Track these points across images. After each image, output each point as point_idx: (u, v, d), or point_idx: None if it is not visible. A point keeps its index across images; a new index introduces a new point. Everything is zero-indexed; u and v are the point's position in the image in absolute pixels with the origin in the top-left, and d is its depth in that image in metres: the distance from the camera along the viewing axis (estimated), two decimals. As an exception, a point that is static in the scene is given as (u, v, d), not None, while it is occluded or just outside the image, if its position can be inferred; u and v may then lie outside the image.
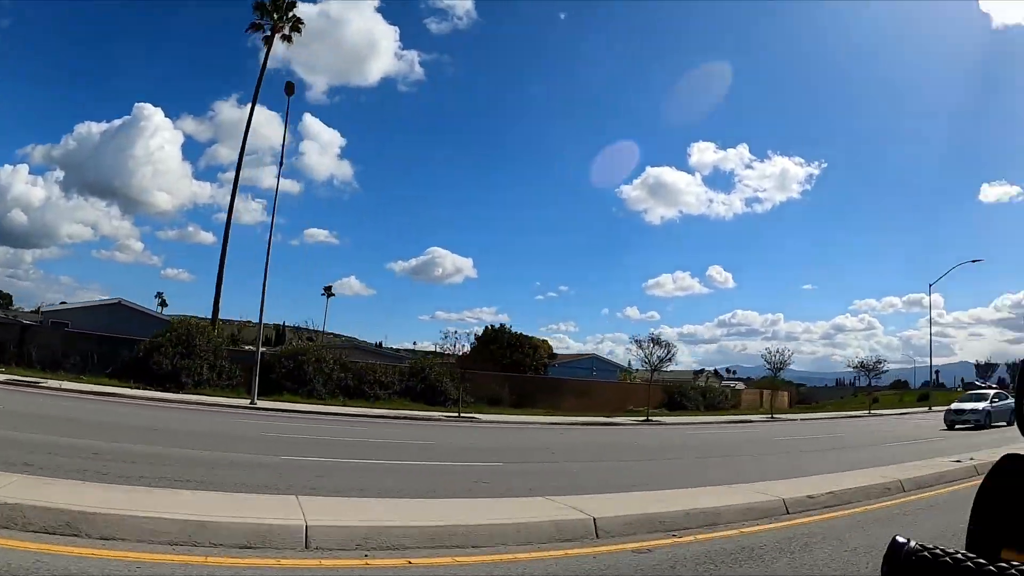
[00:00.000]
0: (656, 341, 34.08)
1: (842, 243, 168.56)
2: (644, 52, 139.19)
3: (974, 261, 47.40)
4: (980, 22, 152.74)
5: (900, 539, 0.75)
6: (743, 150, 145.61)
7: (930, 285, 50.29)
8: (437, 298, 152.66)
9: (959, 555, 0.69)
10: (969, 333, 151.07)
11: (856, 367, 47.38)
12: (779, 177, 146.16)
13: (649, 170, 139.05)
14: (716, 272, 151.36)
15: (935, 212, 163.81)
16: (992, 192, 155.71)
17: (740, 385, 64.15)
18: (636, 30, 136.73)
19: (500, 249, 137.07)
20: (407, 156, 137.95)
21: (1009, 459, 0.90)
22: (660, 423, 29.65)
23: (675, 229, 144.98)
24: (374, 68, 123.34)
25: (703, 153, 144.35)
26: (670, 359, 34.35)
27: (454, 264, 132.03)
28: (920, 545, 0.72)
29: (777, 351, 41.14)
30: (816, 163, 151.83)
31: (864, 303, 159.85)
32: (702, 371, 78.28)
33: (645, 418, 30.75)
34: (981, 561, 0.67)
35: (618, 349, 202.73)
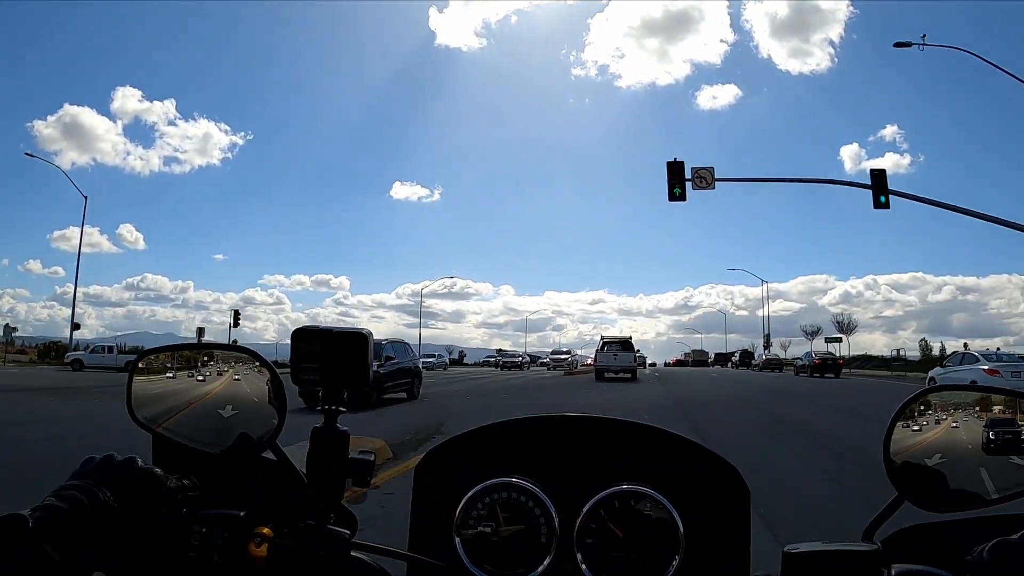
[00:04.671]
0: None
1: (257, 216, 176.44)
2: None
3: (451, 277, 57.32)
4: (426, 36, 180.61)
5: None
6: (170, 105, 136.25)
7: (421, 290, 58.59)
8: None
9: None
10: (372, 315, 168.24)
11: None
12: (202, 140, 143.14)
13: (67, 107, 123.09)
14: (127, 231, 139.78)
15: (351, 200, 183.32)
16: (403, 190, 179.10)
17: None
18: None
19: None
20: None
21: None
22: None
23: (86, 178, 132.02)
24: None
25: (127, 99, 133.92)
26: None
27: None
28: None
29: None
30: (242, 133, 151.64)
31: (274, 278, 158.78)
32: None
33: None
34: None
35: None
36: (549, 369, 52.00)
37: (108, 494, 0.64)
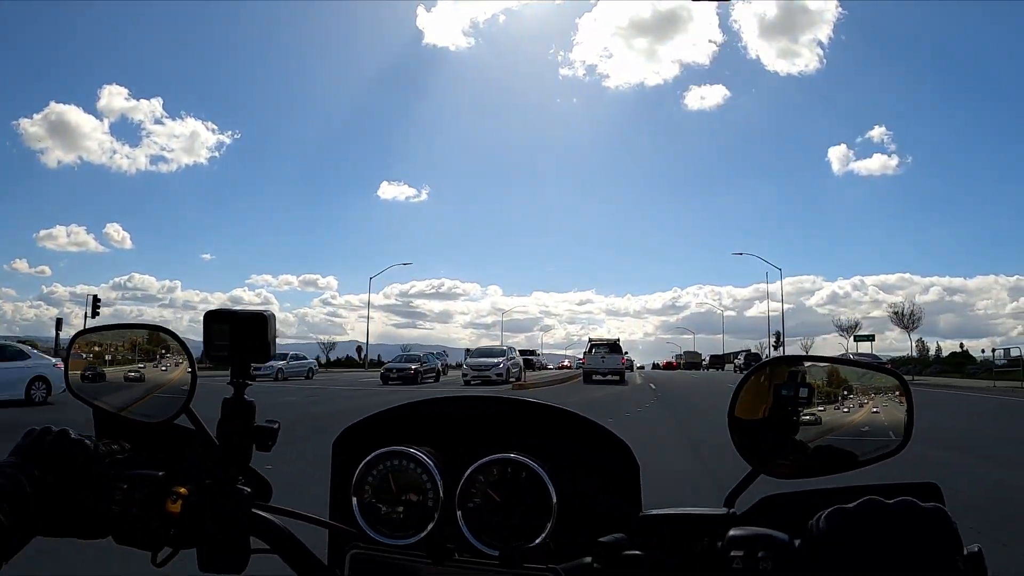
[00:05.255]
0: None
1: (245, 216, 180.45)
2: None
3: (404, 264, 64.23)
4: (413, 35, 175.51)
5: None
6: (157, 104, 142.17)
7: (371, 278, 57.39)
8: None
9: None
10: (359, 315, 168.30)
11: None
12: (189, 139, 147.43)
13: (53, 105, 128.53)
14: (114, 230, 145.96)
15: (338, 200, 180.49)
16: (391, 190, 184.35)
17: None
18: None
19: None
20: None
21: None
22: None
23: (72, 176, 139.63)
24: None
25: (113, 98, 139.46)
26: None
27: None
28: None
29: None
30: (230, 132, 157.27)
31: (261, 278, 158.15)
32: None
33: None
34: None
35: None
36: (467, 383, 29.26)
37: (41, 467, 0.76)
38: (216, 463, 0.83)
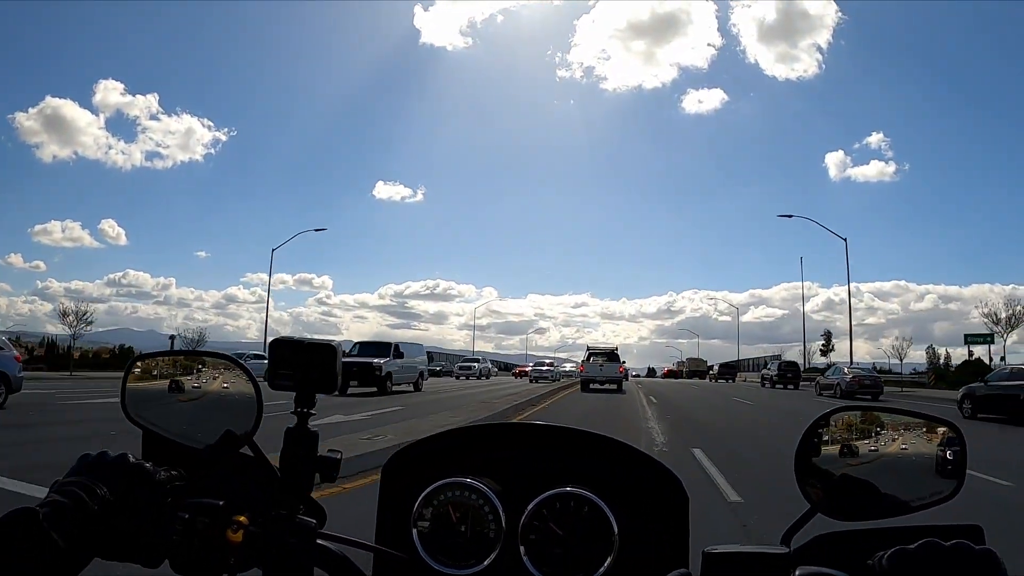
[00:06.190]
0: None
1: (240, 214, 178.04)
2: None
3: (317, 230, 58.02)
4: (411, 35, 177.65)
5: None
6: (153, 100, 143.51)
7: (273, 250, 48.22)
8: None
9: None
10: (354, 315, 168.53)
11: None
12: (184, 135, 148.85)
13: (49, 99, 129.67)
14: (109, 226, 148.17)
15: (334, 200, 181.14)
16: (386, 190, 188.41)
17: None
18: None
19: None
20: None
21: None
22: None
23: (68, 171, 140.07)
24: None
25: (109, 93, 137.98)
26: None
27: None
28: None
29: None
30: (225, 129, 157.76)
31: (256, 277, 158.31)
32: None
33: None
34: None
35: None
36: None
37: (104, 489, 0.75)
38: (278, 493, 0.84)
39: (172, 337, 44.44)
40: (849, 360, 41.26)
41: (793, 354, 56.19)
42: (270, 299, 50.54)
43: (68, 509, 0.72)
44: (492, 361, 70.75)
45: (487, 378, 50.84)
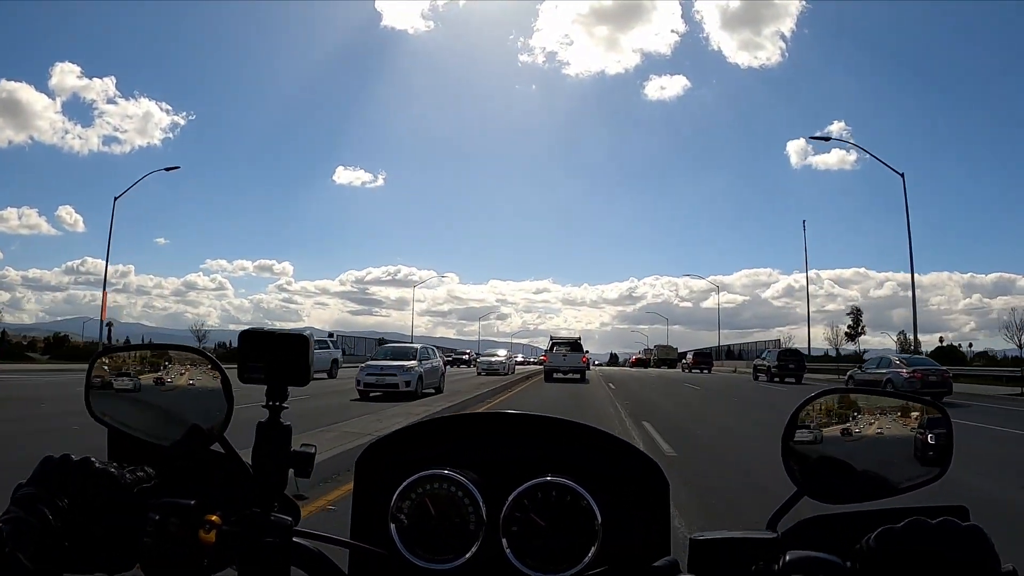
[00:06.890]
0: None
1: (199, 199, 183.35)
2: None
3: (168, 169, 38.50)
4: (371, 18, 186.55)
5: None
6: (110, 83, 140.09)
7: (115, 199, 36.65)
8: None
9: None
10: (315, 302, 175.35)
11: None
12: (142, 119, 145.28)
13: (4, 83, 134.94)
14: (67, 212, 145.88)
15: (294, 184, 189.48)
16: (346, 175, 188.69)
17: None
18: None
19: None
20: None
21: None
22: None
23: (24, 157, 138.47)
24: None
25: (66, 76, 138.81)
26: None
27: None
28: None
29: None
30: (184, 113, 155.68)
31: (216, 263, 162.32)
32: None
33: None
34: None
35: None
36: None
37: (66, 501, 0.72)
38: (251, 490, 0.81)
39: (109, 324, 41.59)
40: (807, 349, 38.79)
41: (799, 340, 48.53)
42: (109, 251, 37.71)
43: (30, 526, 0.69)
44: (444, 349, 51.21)
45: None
